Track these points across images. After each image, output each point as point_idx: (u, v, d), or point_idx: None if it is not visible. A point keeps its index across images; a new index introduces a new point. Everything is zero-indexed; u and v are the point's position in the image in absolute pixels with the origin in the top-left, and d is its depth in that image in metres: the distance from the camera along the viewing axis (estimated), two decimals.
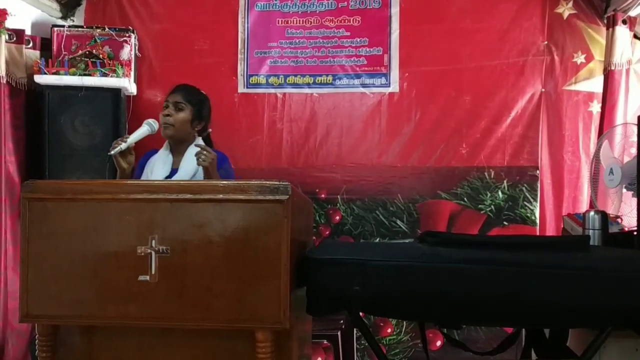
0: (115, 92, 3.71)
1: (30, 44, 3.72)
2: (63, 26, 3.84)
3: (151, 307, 1.59)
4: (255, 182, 1.60)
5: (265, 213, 1.58)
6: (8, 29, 3.49)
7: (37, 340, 1.68)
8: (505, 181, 3.89)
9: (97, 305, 1.61)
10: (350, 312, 1.72)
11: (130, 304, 1.59)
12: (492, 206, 3.90)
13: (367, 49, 3.98)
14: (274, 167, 3.96)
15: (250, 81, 4.03)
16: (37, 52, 3.74)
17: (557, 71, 3.92)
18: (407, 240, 3.86)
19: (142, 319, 1.61)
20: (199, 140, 2.56)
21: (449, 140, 3.92)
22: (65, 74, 3.63)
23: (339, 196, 3.97)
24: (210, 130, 2.66)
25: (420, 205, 3.94)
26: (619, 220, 2.95)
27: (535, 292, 1.68)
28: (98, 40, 3.78)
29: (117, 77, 3.68)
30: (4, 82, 3.48)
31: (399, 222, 3.93)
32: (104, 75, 3.67)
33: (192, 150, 2.43)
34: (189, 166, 2.42)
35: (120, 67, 3.69)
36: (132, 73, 3.83)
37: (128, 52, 3.81)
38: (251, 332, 1.58)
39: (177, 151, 2.53)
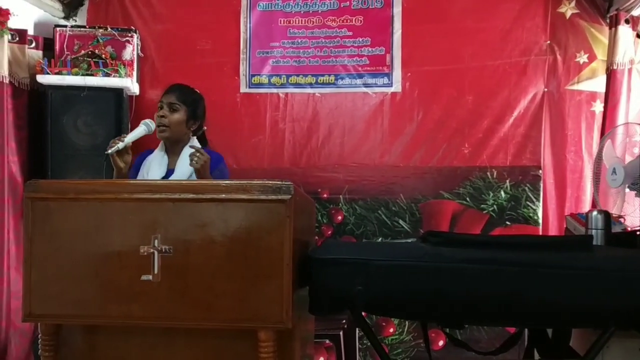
0: (118, 92, 3.71)
1: (33, 44, 3.72)
2: (66, 26, 3.84)
3: (154, 307, 1.59)
4: (258, 181, 1.60)
5: (267, 213, 1.58)
6: (11, 29, 3.49)
7: (39, 340, 1.69)
8: (507, 181, 3.89)
9: (100, 304, 1.61)
10: (353, 311, 1.72)
11: (132, 304, 1.60)
12: (495, 206, 3.89)
13: (370, 49, 3.98)
14: (276, 167, 3.96)
15: (253, 81, 4.03)
16: (40, 52, 3.74)
17: (560, 71, 3.91)
18: (409, 240, 3.86)
19: (145, 318, 1.61)
20: (194, 140, 2.57)
21: (452, 140, 3.92)
22: (68, 74, 3.63)
23: (341, 196, 3.97)
24: (205, 128, 2.67)
25: (423, 205, 3.93)
26: (621, 220, 2.95)
27: (538, 292, 1.67)
28: (100, 40, 3.78)
29: (119, 77, 3.68)
30: (7, 82, 3.48)
31: (401, 222, 3.93)
32: (107, 75, 3.67)
33: (187, 151, 2.44)
34: (185, 166, 2.42)
35: (122, 67, 3.70)
36: (135, 73, 3.83)
37: (130, 52, 3.81)
38: (254, 332, 1.58)
39: (173, 151, 2.53)
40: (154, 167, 2.49)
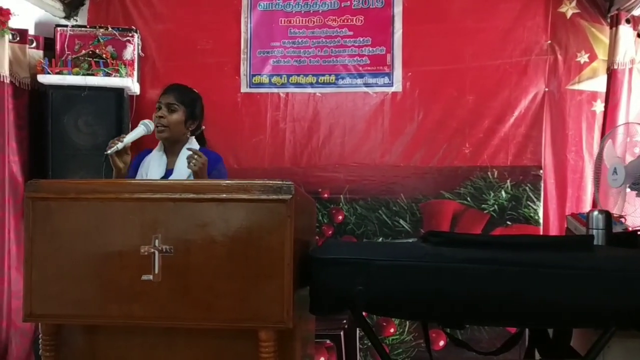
0: (119, 91, 3.72)
1: (34, 44, 3.72)
2: (66, 26, 3.84)
3: (154, 307, 1.59)
4: (259, 181, 1.60)
5: (268, 212, 1.58)
6: (11, 29, 3.50)
7: (40, 340, 1.68)
8: (508, 181, 3.89)
9: (101, 304, 1.61)
10: (354, 311, 1.71)
11: (133, 304, 1.60)
12: (496, 206, 3.89)
13: (370, 49, 3.98)
14: (277, 167, 3.96)
15: (253, 81, 4.03)
16: (41, 52, 3.75)
17: (561, 70, 3.91)
18: (410, 240, 3.86)
19: (146, 318, 1.61)
20: (192, 140, 2.57)
21: (452, 140, 3.92)
22: (69, 74, 3.64)
23: (341, 196, 3.97)
24: (203, 128, 2.67)
25: (423, 205, 3.93)
26: (622, 220, 2.95)
27: (538, 292, 1.67)
28: (101, 40, 3.78)
29: (120, 76, 3.68)
30: (8, 82, 3.49)
31: (401, 221, 3.93)
32: (107, 75, 3.68)
33: (186, 152, 2.44)
34: (184, 167, 2.41)
35: (123, 66, 3.70)
36: (135, 73, 3.84)
37: (131, 51, 3.82)
38: (254, 332, 1.58)
39: (172, 152, 2.54)
40: (152, 168, 2.49)
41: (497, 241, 2.16)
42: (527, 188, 3.88)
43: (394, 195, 3.94)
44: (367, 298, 1.66)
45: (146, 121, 2.46)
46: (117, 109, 3.70)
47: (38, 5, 3.82)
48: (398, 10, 3.96)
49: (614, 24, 3.71)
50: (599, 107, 3.87)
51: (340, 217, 3.97)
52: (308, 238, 2.01)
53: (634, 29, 3.70)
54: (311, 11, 4.01)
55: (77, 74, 3.65)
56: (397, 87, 3.97)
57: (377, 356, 1.88)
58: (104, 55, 3.72)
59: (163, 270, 1.58)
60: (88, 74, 3.65)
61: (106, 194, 1.63)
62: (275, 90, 4.02)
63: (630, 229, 2.84)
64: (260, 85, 4.03)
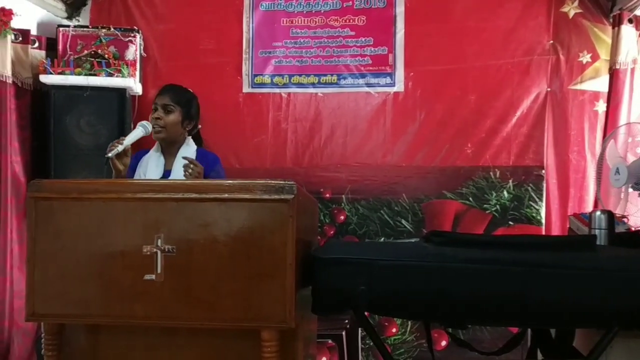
0: (121, 92, 3.72)
1: (36, 44, 3.73)
2: (68, 26, 3.85)
3: (157, 307, 1.59)
4: (261, 181, 1.60)
5: (270, 212, 1.58)
6: (14, 29, 3.51)
7: (42, 339, 1.69)
8: (510, 181, 3.88)
9: (103, 304, 1.61)
10: (356, 311, 1.71)
11: (135, 303, 1.60)
12: (498, 206, 3.89)
13: (372, 49, 3.98)
14: (279, 167, 3.96)
15: (255, 81, 4.03)
16: (43, 52, 3.76)
17: (563, 70, 3.91)
18: (412, 240, 3.86)
19: (148, 318, 1.61)
20: (189, 140, 2.58)
21: (454, 140, 3.91)
22: (71, 74, 3.64)
23: (343, 196, 3.97)
24: (200, 127, 2.68)
25: (425, 205, 3.93)
26: (625, 220, 2.94)
27: (541, 292, 1.67)
28: (103, 40, 3.79)
29: (122, 77, 3.69)
30: (10, 82, 3.50)
31: (403, 221, 3.93)
32: (110, 75, 3.68)
33: (183, 152, 2.47)
34: (182, 168, 2.43)
35: (125, 67, 3.70)
36: (138, 73, 3.84)
37: (133, 52, 3.82)
38: (257, 332, 1.58)
39: (169, 152, 2.55)
40: (151, 168, 2.51)
41: (500, 241, 2.15)
42: (529, 188, 3.87)
43: (396, 195, 3.94)
44: (369, 298, 1.66)
45: (144, 122, 2.47)
46: (119, 109, 3.71)
47: (40, 6, 3.82)
48: (400, 10, 3.96)
49: (617, 23, 3.70)
50: (601, 107, 3.86)
51: (342, 217, 3.97)
52: (310, 238, 2.01)
53: (637, 28, 3.69)
54: (313, 11, 4.01)
55: (79, 74, 3.65)
56: (399, 87, 3.96)
57: (379, 356, 1.88)
58: (106, 56, 3.72)
59: (165, 270, 1.58)
60: (90, 74, 3.66)
61: (108, 194, 1.63)
62: (277, 90, 4.02)
63: (632, 228, 2.84)
64: (262, 85, 4.03)
